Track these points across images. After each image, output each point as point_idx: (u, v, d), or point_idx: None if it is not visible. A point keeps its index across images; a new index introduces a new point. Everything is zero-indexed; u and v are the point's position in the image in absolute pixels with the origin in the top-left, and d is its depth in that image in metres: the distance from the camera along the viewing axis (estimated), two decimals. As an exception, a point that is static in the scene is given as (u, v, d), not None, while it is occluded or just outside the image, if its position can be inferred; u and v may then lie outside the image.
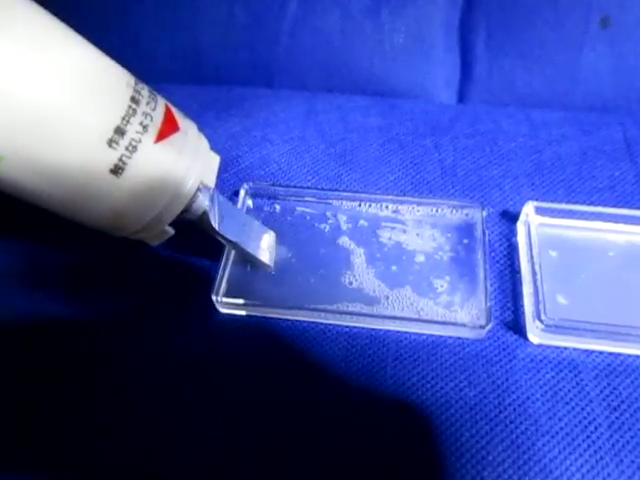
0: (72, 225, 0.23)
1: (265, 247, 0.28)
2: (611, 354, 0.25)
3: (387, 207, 0.30)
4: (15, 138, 0.19)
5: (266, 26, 0.41)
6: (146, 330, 0.27)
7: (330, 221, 0.30)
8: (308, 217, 0.30)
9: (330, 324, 0.26)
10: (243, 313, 0.27)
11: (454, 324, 0.26)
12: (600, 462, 0.22)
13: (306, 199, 0.30)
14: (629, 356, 0.25)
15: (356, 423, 0.24)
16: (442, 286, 0.27)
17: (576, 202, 0.31)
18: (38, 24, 0.19)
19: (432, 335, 0.26)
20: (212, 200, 0.25)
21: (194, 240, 0.29)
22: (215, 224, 0.25)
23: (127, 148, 0.20)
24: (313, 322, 0.26)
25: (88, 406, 0.25)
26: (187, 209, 0.24)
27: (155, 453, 0.23)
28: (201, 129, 0.26)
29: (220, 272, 0.27)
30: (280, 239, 0.29)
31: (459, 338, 0.26)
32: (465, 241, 0.29)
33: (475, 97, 0.40)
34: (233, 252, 0.28)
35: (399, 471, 0.23)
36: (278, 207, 0.30)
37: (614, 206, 0.30)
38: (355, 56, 0.41)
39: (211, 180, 0.25)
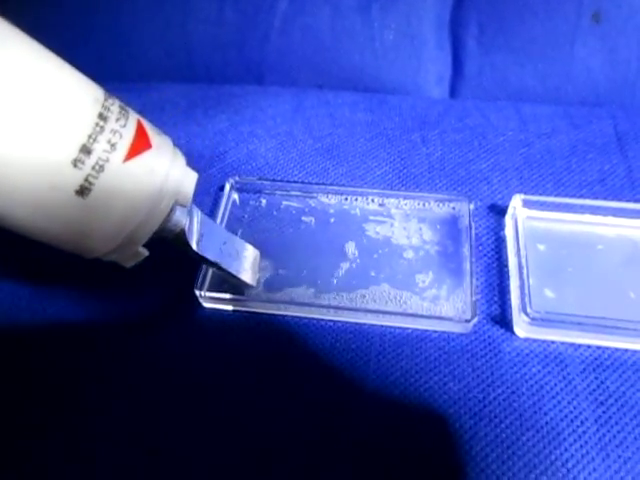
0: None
1: (248, 265, 0.27)
2: (599, 348, 0.25)
3: (374, 201, 0.30)
4: None
5: (256, 24, 0.41)
6: (126, 327, 0.26)
7: (316, 215, 0.29)
8: (294, 211, 0.30)
9: (315, 318, 0.26)
10: (228, 308, 0.27)
11: (439, 318, 0.25)
12: (586, 457, 0.22)
13: (292, 193, 0.30)
14: (617, 350, 0.25)
15: (340, 417, 0.23)
16: (428, 280, 0.27)
17: (565, 195, 0.30)
18: None
19: (417, 329, 0.26)
20: (190, 219, 0.23)
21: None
22: (193, 244, 0.23)
23: (94, 168, 0.19)
24: (298, 316, 0.26)
25: (72, 403, 0.24)
26: (162, 229, 0.22)
27: (138, 449, 0.23)
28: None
29: (204, 266, 0.27)
30: (266, 233, 0.29)
31: (444, 332, 0.25)
32: (452, 235, 0.28)
33: (467, 93, 0.40)
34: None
35: (382, 465, 0.22)
36: (264, 201, 0.30)
37: (604, 199, 0.30)
38: (346, 53, 0.40)
39: (187, 198, 0.23)
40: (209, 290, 0.27)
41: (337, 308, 0.26)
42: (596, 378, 0.24)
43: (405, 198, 0.29)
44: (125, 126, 0.20)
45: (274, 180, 0.31)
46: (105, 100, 0.20)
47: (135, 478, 0.23)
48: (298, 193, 0.30)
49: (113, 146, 0.19)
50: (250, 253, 0.27)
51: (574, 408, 0.23)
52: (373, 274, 0.27)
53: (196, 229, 0.24)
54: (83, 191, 0.19)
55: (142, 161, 0.20)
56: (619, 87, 0.38)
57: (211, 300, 0.27)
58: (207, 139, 0.33)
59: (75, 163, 0.18)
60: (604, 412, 0.23)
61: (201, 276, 0.27)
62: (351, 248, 0.28)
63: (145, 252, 0.23)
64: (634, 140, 0.33)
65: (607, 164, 0.32)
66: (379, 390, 0.24)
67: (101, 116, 0.19)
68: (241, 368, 0.25)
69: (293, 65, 0.41)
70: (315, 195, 0.30)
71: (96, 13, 0.43)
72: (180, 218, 0.23)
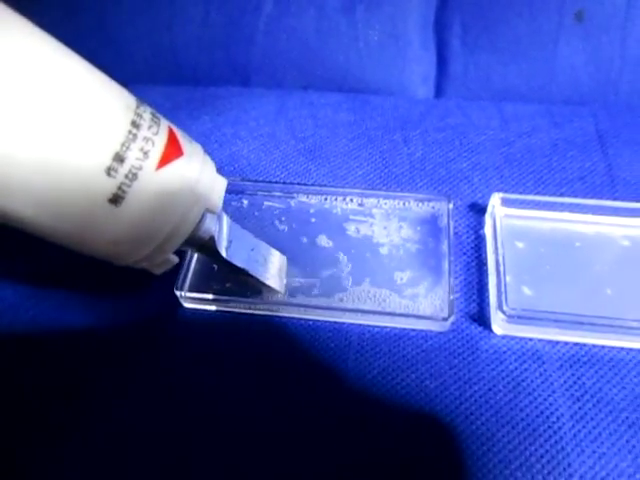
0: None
1: (275, 271, 0.27)
2: (576, 344, 0.25)
3: (354, 200, 0.30)
4: (7, 167, 0.17)
5: (242, 26, 0.41)
6: (106, 328, 0.27)
7: (297, 215, 0.30)
8: (276, 211, 0.30)
9: (294, 317, 0.26)
10: (210, 308, 0.27)
11: (417, 316, 0.26)
12: (561, 452, 0.22)
13: (273, 194, 0.30)
14: (594, 346, 0.25)
15: (317, 415, 0.23)
16: (406, 278, 0.27)
17: (545, 194, 0.30)
18: (30, 41, 0.18)
19: (395, 328, 0.26)
20: (219, 225, 0.23)
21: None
22: (222, 251, 0.23)
23: (127, 176, 0.19)
24: (279, 316, 0.26)
25: (50, 409, 0.24)
26: (192, 236, 0.22)
27: (115, 454, 0.23)
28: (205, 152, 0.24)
29: (184, 265, 0.27)
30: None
31: (422, 331, 0.26)
32: (431, 233, 0.28)
33: (452, 93, 0.40)
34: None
35: (359, 463, 0.22)
36: (246, 202, 0.30)
37: (584, 197, 0.30)
38: (331, 54, 0.41)
39: (217, 205, 0.22)
40: (190, 290, 0.27)
41: (316, 307, 0.26)
42: (573, 374, 0.24)
43: (385, 198, 0.30)
44: (157, 133, 0.20)
45: (256, 181, 0.31)
46: (137, 107, 0.20)
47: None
48: (279, 193, 0.30)
49: (146, 154, 0.19)
50: (277, 259, 0.27)
51: (550, 404, 0.23)
52: (352, 273, 0.27)
53: (225, 236, 0.24)
54: (116, 199, 0.19)
55: (174, 168, 0.20)
56: (602, 85, 0.38)
57: (192, 300, 0.27)
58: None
59: (108, 172, 0.18)
60: (580, 408, 0.23)
61: (181, 276, 0.27)
62: (331, 248, 0.28)
63: (175, 259, 0.23)
64: (615, 138, 0.33)
65: (588, 162, 0.32)
66: (357, 388, 0.24)
67: (134, 124, 0.19)
68: (222, 367, 0.25)
69: (278, 66, 0.41)
70: (296, 195, 0.30)
71: (81, 14, 0.43)
72: (210, 225, 0.23)
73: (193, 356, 0.26)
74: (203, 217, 0.22)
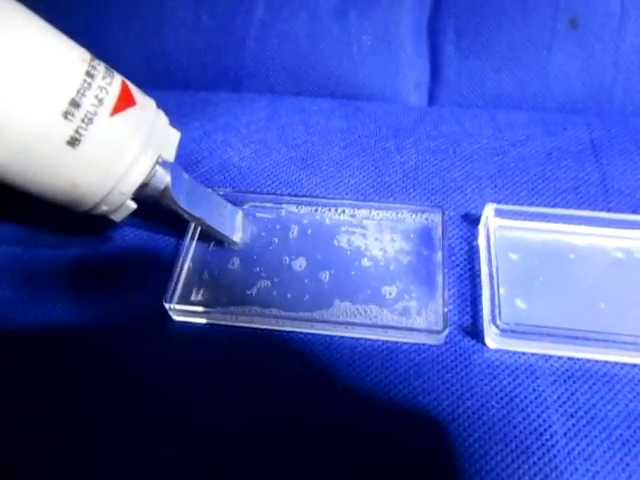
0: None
1: (231, 223, 0.28)
2: (570, 359, 0.25)
3: (346, 212, 0.29)
4: None
5: (233, 30, 0.40)
6: (92, 342, 0.26)
7: (289, 227, 0.29)
8: (268, 225, 0.29)
9: (285, 331, 0.26)
10: (198, 321, 0.26)
11: (410, 329, 0.25)
12: (555, 471, 0.22)
13: (265, 205, 0.30)
14: (588, 361, 0.25)
15: (306, 429, 0.23)
16: (400, 291, 0.27)
17: (539, 204, 0.30)
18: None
19: (387, 341, 0.25)
20: (174, 175, 0.25)
21: (147, 243, 0.28)
22: (178, 199, 0.25)
23: (83, 120, 0.21)
24: (269, 329, 0.26)
25: (36, 418, 0.24)
26: (147, 183, 0.24)
27: (98, 469, 0.23)
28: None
29: (174, 277, 0.26)
30: (240, 245, 0.29)
31: (415, 344, 0.25)
32: (424, 245, 0.28)
33: (445, 99, 0.40)
34: (189, 256, 0.28)
35: (349, 478, 0.22)
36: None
37: (578, 207, 0.30)
38: (323, 59, 0.40)
39: (171, 154, 0.25)
40: (179, 303, 0.26)
41: (309, 320, 0.26)
42: (566, 390, 0.24)
43: (378, 209, 0.29)
44: (111, 84, 0.22)
45: (247, 192, 0.30)
46: (92, 60, 0.22)
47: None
48: (271, 205, 0.30)
49: (100, 101, 0.22)
50: (233, 212, 0.29)
51: (543, 421, 0.23)
52: (345, 286, 0.27)
53: (181, 187, 0.25)
54: (73, 142, 0.21)
55: (127, 116, 0.23)
56: (596, 93, 0.38)
57: (181, 313, 0.26)
58: (180, 148, 0.33)
59: (65, 115, 0.21)
60: (573, 425, 0.23)
61: (170, 289, 0.26)
62: (323, 260, 0.28)
63: (133, 205, 0.25)
64: (609, 147, 0.33)
65: (582, 172, 0.32)
66: (348, 403, 0.24)
67: (88, 74, 0.22)
68: (211, 381, 0.25)
69: (270, 71, 0.41)
70: (288, 207, 0.30)
71: (71, 17, 0.42)
72: (164, 174, 0.25)
73: (182, 370, 0.25)
74: (157, 164, 0.24)
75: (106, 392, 0.25)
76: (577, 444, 0.22)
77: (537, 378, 0.24)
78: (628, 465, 0.22)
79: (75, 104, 0.21)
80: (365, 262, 0.28)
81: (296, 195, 0.30)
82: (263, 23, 0.40)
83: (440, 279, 0.26)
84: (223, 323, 0.26)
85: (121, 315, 0.27)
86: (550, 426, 0.23)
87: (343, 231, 0.29)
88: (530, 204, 0.30)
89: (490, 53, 0.38)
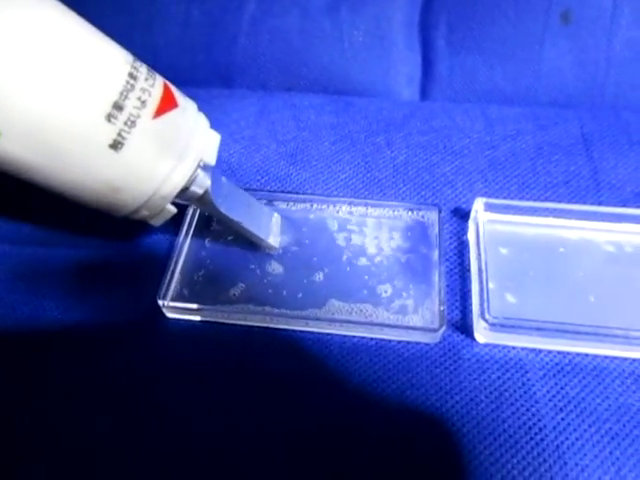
0: None
1: (269, 228, 0.28)
2: (560, 353, 0.25)
3: (340, 209, 0.29)
4: (13, 113, 0.19)
5: (224, 26, 0.40)
6: (84, 339, 0.26)
7: (280, 224, 0.29)
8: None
9: (280, 328, 0.26)
10: (191, 318, 0.26)
11: (406, 328, 0.25)
12: (543, 465, 0.22)
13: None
14: (577, 354, 0.24)
15: (298, 424, 0.23)
16: (396, 289, 0.26)
17: (530, 198, 0.30)
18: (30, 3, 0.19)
19: (375, 337, 0.25)
20: (214, 179, 0.24)
21: (141, 239, 0.28)
22: (217, 203, 0.25)
23: (126, 123, 0.21)
24: (264, 327, 0.26)
25: (30, 417, 0.24)
26: (188, 187, 0.24)
27: (92, 464, 0.23)
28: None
29: (167, 274, 0.26)
30: (233, 242, 0.28)
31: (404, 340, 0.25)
32: (420, 243, 0.28)
33: (438, 94, 0.40)
34: (184, 253, 0.28)
35: (337, 472, 0.22)
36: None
37: (569, 201, 0.30)
38: (315, 55, 0.40)
39: (212, 158, 0.24)
40: (172, 300, 0.26)
41: (303, 318, 0.25)
42: (556, 384, 0.24)
43: (374, 206, 0.29)
44: (153, 86, 0.22)
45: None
46: (134, 62, 0.22)
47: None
48: (265, 201, 0.29)
49: (143, 103, 0.21)
50: (271, 216, 0.28)
51: (533, 415, 0.23)
52: (339, 283, 0.27)
53: (220, 190, 0.25)
54: (116, 145, 0.21)
55: (169, 118, 0.22)
56: (588, 87, 0.38)
57: (175, 310, 0.26)
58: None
59: (109, 118, 0.20)
60: (563, 419, 0.23)
61: (164, 285, 0.26)
62: (316, 257, 0.28)
63: (173, 209, 0.24)
64: (600, 141, 0.33)
65: (572, 166, 0.32)
66: (336, 398, 0.23)
67: (131, 75, 0.21)
68: (204, 378, 0.25)
69: (262, 67, 0.41)
70: (281, 204, 0.29)
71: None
72: (205, 177, 0.24)
73: (175, 367, 0.25)
74: (199, 169, 0.24)
75: (99, 389, 0.24)
76: (566, 438, 0.22)
77: (527, 372, 0.24)
78: (617, 459, 0.22)
79: (118, 107, 0.20)
80: (361, 260, 0.27)
81: (289, 192, 0.30)
82: (254, 19, 0.40)
83: (436, 277, 0.26)
84: (216, 320, 0.26)
85: (115, 312, 0.27)
86: (539, 420, 0.23)
87: (339, 229, 0.28)
88: (521, 198, 0.30)
89: (482, 48, 0.38)
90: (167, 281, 0.26)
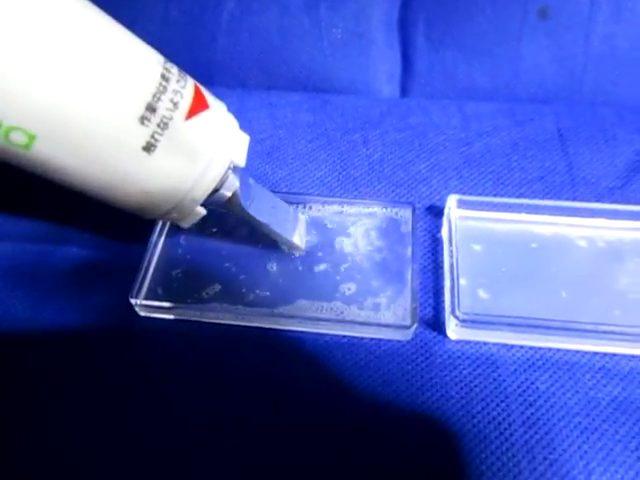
0: None
1: (295, 229, 0.28)
2: (531, 348, 0.25)
3: (314, 207, 0.29)
4: (47, 117, 0.19)
5: (203, 25, 0.40)
6: (56, 338, 0.26)
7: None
8: (234, 220, 0.29)
9: (251, 327, 0.26)
10: (164, 317, 0.26)
11: (378, 325, 0.25)
12: (512, 459, 0.22)
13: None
14: (549, 350, 0.25)
15: (269, 422, 0.23)
16: (368, 286, 0.26)
17: (505, 194, 0.30)
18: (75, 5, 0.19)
19: (347, 335, 0.25)
20: (242, 181, 0.24)
21: (113, 238, 0.28)
22: (246, 205, 0.25)
23: (159, 125, 0.20)
24: (236, 325, 0.26)
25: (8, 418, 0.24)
26: (218, 189, 0.24)
27: (67, 463, 0.23)
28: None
29: (140, 272, 0.26)
30: (207, 242, 0.28)
31: (378, 338, 0.25)
32: (394, 241, 0.28)
33: (418, 91, 0.40)
34: (157, 252, 0.28)
35: (306, 470, 0.22)
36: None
37: (544, 197, 0.30)
38: (294, 53, 0.40)
39: (241, 160, 0.24)
40: (145, 299, 0.26)
41: (276, 316, 0.25)
42: (527, 379, 0.24)
43: (348, 204, 0.29)
44: (185, 87, 0.22)
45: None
46: (165, 63, 0.22)
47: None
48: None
49: (175, 105, 0.21)
50: (297, 217, 0.28)
51: (503, 410, 0.23)
52: (312, 281, 0.27)
53: (247, 191, 0.25)
54: (149, 147, 0.20)
55: (201, 120, 0.22)
56: (567, 83, 0.38)
57: (148, 309, 0.26)
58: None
59: (142, 120, 0.20)
60: (533, 413, 0.23)
61: (137, 283, 0.26)
62: (292, 255, 0.28)
63: (203, 211, 0.24)
64: (575, 136, 0.33)
65: (548, 161, 0.32)
66: (307, 395, 0.24)
67: (163, 77, 0.21)
68: (178, 378, 0.25)
69: (241, 65, 0.41)
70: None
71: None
72: (234, 179, 0.24)
73: (149, 366, 0.25)
74: (228, 170, 0.23)
75: (69, 387, 0.24)
76: (535, 432, 0.22)
77: (498, 368, 0.24)
78: (586, 452, 0.22)
79: (151, 108, 0.20)
80: (337, 256, 0.27)
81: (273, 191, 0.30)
82: (233, 17, 0.40)
83: (409, 275, 0.26)
84: (189, 319, 0.26)
85: (88, 310, 0.27)
86: (509, 415, 0.23)
87: (311, 226, 0.29)
88: (496, 194, 0.30)
89: (461, 45, 0.38)
90: (140, 279, 0.26)
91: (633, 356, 0.24)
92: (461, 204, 0.28)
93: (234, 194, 0.24)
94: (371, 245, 0.28)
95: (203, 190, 0.23)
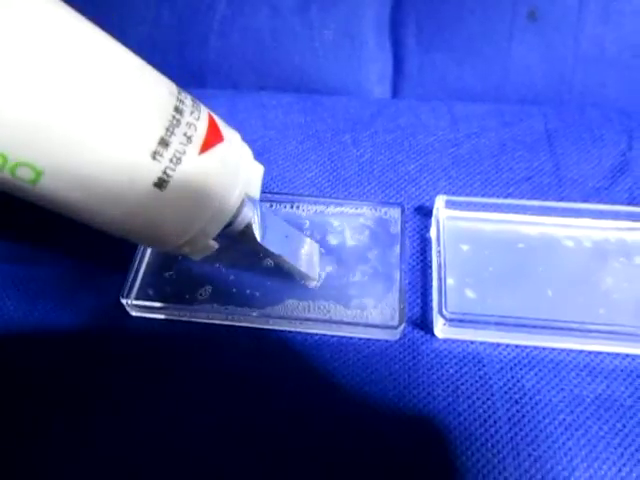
0: None
1: (309, 259, 0.27)
2: (517, 347, 0.25)
3: (303, 207, 0.29)
4: (55, 151, 0.18)
5: (195, 26, 0.40)
6: (48, 338, 0.26)
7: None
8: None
9: (243, 327, 0.26)
10: (155, 316, 0.27)
11: (366, 325, 0.25)
12: (497, 456, 0.22)
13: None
14: (535, 348, 0.25)
15: (258, 422, 0.23)
16: (356, 286, 0.27)
17: (493, 194, 0.30)
18: (74, 29, 0.18)
19: (336, 335, 0.25)
20: (255, 212, 0.23)
21: (105, 237, 0.28)
22: (259, 237, 0.24)
23: (171, 160, 0.19)
24: (228, 325, 0.26)
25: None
26: (232, 222, 0.23)
27: (57, 465, 0.23)
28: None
29: (131, 272, 0.27)
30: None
31: (366, 338, 0.25)
32: (382, 241, 0.28)
33: (408, 92, 0.40)
34: (148, 252, 0.28)
35: (294, 468, 0.22)
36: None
37: (531, 197, 0.30)
38: (286, 54, 0.40)
39: (255, 191, 0.23)
40: (137, 298, 0.26)
41: (266, 317, 0.26)
42: (512, 377, 0.24)
43: (337, 205, 0.29)
44: (199, 119, 0.20)
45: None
46: (179, 94, 0.20)
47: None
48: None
49: (189, 139, 0.20)
50: (310, 246, 0.27)
51: (488, 407, 0.23)
52: (299, 282, 0.27)
53: (260, 222, 0.24)
54: (161, 184, 0.19)
55: (216, 153, 0.21)
56: (556, 84, 0.38)
57: (139, 309, 0.26)
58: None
59: (154, 156, 0.19)
60: (518, 411, 0.23)
61: (128, 283, 0.26)
62: (280, 254, 0.28)
63: (215, 245, 0.23)
64: (563, 137, 0.33)
65: (535, 162, 0.32)
66: (295, 395, 0.24)
67: (177, 109, 0.20)
68: (167, 377, 0.25)
69: (233, 67, 0.41)
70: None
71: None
72: (248, 211, 0.23)
73: (139, 366, 0.25)
74: (242, 202, 0.22)
75: (61, 390, 0.25)
76: (520, 429, 0.23)
77: (484, 366, 0.24)
78: (570, 449, 0.22)
79: (164, 143, 0.19)
80: (325, 256, 0.28)
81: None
82: (225, 18, 0.40)
83: (397, 275, 0.26)
84: (179, 319, 0.26)
85: (80, 310, 0.27)
86: (494, 412, 0.23)
87: (300, 226, 0.29)
88: (484, 195, 0.30)
89: (451, 46, 0.39)
90: (131, 278, 0.26)
91: (617, 354, 0.25)
92: (449, 204, 0.28)
93: (247, 226, 0.23)
94: (360, 245, 0.28)
95: (216, 225, 0.22)
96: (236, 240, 0.24)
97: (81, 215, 0.20)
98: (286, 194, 0.30)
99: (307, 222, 0.29)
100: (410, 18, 0.39)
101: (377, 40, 0.40)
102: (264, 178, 0.31)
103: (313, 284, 0.27)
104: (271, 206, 0.30)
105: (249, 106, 0.36)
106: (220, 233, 0.22)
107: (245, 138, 0.34)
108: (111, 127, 0.18)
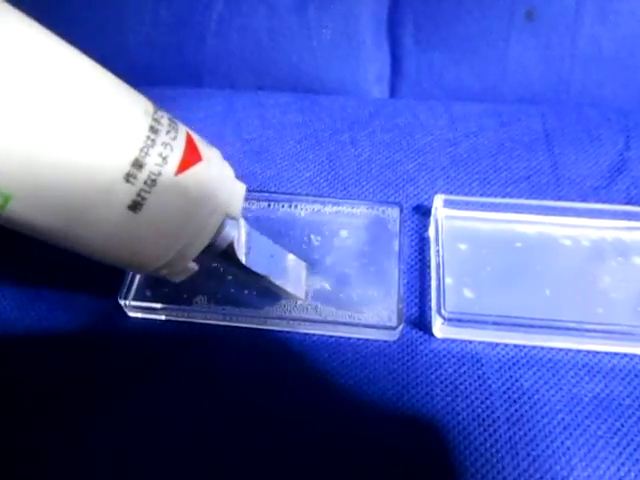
0: None
1: (295, 278, 0.26)
2: (516, 346, 0.25)
3: (301, 207, 0.29)
4: (24, 175, 0.17)
5: (192, 26, 0.40)
6: (45, 339, 0.26)
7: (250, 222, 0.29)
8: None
9: (241, 327, 0.26)
10: (152, 317, 0.26)
11: (365, 326, 0.25)
12: (495, 456, 0.22)
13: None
14: (533, 348, 0.25)
15: (256, 422, 0.23)
16: (355, 286, 0.27)
17: (491, 194, 0.30)
18: (42, 47, 0.17)
19: (334, 335, 0.25)
20: (238, 231, 0.23)
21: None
22: (242, 257, 0.23)
23: (146, 182, 0.18)
24: (225, 325, 0.26)
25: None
26: (212, 243, 0.22)
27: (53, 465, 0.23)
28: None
29: (129, 273, 0.26)
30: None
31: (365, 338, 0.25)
32: (381, 241, 0.28)
33: (406, 92, 0.40)
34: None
35: (292, 468, 0.22)
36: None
37: (529, 197, 0.30)
38: (283, 54, 0.40)
39: (236, 211, 0.22)
40: (135, 299, 0.26)
41: (264, 317, 0.26)
42: (511, 377, 0.24)
43: (335, 204, 0.29)
44: (175, 139, 0.19)
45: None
46: (155, 112, 0.19)
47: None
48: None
49: (165, 159, 0.19)
50: (297, 265, 0.27)
51: (487, 407, 0.23)
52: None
53: (244, 242, 0.23)
54: (135, 206, 0.19)
55: (193, 174, 0.20)
56: (553, 84, 0.38)
57: (137, 309, 0.26)
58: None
59: (127, 178, 0.18)
60: (516, 410, 0.23)
61: (126, 284, 0.26)
62: (278, 254, 0.28)
63: (195, 267, 0.22)
64: (561, 137, 0.33)
65: (534, 161, 0.32)
66: (293, 393, 0.24)
67: (152, 129, 0.19)
68: (163, 377, 0.25)
69: (231, 66, 0.41)
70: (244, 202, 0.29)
71: (27, 13, 0.42)
72: (230, 231, 0.22)
73: (136, 366, 0.25)
74: (223, 223, 0.22)
75: (59, 391, 0.24)
76: (519, 429, 0.23)
77: (482, 366, 0.24)
78: (568, 449, 0.22)
79: (138, 165, 0.18)
80: (320, 257, 0.28)
81: (253, 190, 0.30)
82: (222, 18, 0.40)
83: (396, 275, 0.26)
84: (177, 319, 0.26)
85: (73, 313, 0.27)
86: (493, 412, 0.23)
87: (301, 226, 0.29)
88: (482, 194, 0.30)
89: (448, 46, 0.39)
90: (129, 279, 0.26)
91: (615, 353, 0.25)
92: (447, 204, 0.28)
93: (229, 246, 0.22)
94: (359, 245, 0.28)
95: (195, 248, 0.21)
96: (219, 261, 0.23)
97: (54, 239, 0.19)
98: (284, 193, 0.30)
99: (305, 221, 0.29)
100: (408, 18, 0.39)
101: (375, 40, 0.40)
102: (263, 176, 0.32)
103: (299, 302, 0.26)
104: (269, 205, 0.29)
105: (247, 105, 0.36)
106: (200, 254, 0.22)
107: (243, 137, 0.34)
108: (82, 149, 0.17)
